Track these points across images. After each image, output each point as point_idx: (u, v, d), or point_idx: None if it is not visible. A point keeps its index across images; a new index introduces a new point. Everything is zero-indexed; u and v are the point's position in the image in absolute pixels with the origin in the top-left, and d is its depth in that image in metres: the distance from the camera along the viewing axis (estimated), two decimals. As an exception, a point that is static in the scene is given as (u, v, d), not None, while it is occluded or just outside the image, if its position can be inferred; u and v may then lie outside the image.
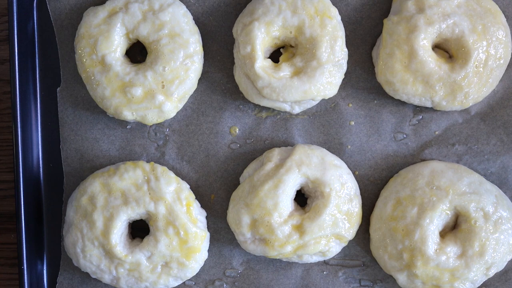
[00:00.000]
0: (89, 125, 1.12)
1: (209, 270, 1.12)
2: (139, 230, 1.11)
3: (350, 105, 1.11)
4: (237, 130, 1.11)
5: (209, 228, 1.11)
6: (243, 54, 1.05)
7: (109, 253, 1.05)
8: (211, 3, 1.11)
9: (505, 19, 1.07)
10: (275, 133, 1.11)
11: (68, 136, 1.12)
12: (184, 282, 1.11)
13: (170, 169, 1.10)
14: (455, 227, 1.06)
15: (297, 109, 1.08)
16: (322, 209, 1.04)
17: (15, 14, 1.08)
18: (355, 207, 1.06)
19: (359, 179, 1.10)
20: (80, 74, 1.08)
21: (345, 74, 1.09)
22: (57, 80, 1.12)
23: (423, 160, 1.10)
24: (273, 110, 1.11)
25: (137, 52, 1.12)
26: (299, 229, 1.04)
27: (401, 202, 1.05)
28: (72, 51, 1.11)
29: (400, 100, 1.09)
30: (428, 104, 1.07)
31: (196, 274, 1.10)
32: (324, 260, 1.11)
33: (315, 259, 1.07)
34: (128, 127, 1.12)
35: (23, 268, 1.08)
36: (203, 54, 1.09)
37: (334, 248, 1.06)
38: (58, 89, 1.12)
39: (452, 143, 1.10)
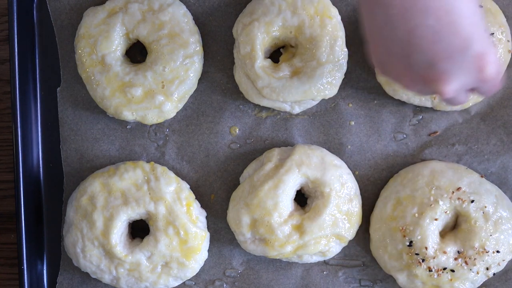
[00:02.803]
0: (89, 125, 1.12)
1: (209, 270, 1.12)
2: (139, 230, 1.11)
3: (350, 105, 1.11)
4: (237, 130, 1.11)
5: (209, 228, 1.11)
6: (243, 54, 1.05)
7: (109, 253, 1.05)
8: (211, 3, 1.11)
9: (505, 19, 1.07)
10: (275, 133, 1.11)
11: (68, 136, 1.12)
12: (184, 282, 1.11)
13: (170, 169, 1.10)
14: (455, 227, 1.06)
15: (297, 109, 1.08)
16: (322, 209, 1.04)
17: (15, 14, 1.08)
18: (355, 207, 1.06)
19: (359, 179, 1.10)
20: (80, 74, 1.08)
21: (345, 74, 1.09)
22: (57, 80, 1.12)
23: (423, 160, 1.10)
24: (273, 110, 1.11)
25: (137, 52, 1.12)
26: (299, 229, 1.04)
27: (401, 202, 1.05)
28: (72, 51, 1.11)
29: (400, 100, 1.09)
30: (428, 104, 1.07)
31: (196, 274, 1.10)
32: (324, 260, 1.11)
33: (315, 259, 1.07)
34: (128, 127, 1.12)
35: (23, 268, 1.08)
36: (203, 54, 1.09)
37: (334, 248, 1.06)
38: (58, 89, 1.12)
39: (452, 143, 1.10)
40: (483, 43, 0.73)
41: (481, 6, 1.04)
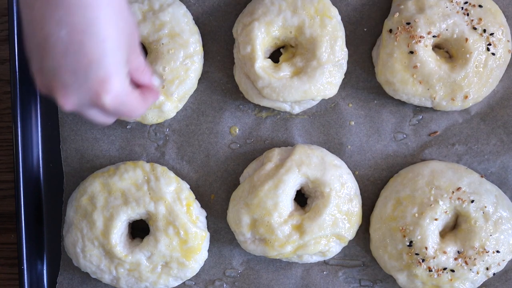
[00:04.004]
0: (89, 125, 1.12)
1: (209, 270, 1.12)
2: (139, 230, 1.11)
3: (350, 105, 1.11)
4: (237, 130, 1.11)
5: (209, 228, 1.11)
6: (243, 54, 1.05)
7: (109, 253, 1.05)
8: (211, 3, 1.11)
9: (505, 19, 1.07)
10: (275, 133, 1.11)
11: (68, 136, 1.12)
12: (184, 282, 1.11)
13: (170, 169, 1.10)
14: (455, 227, 1.06)
15: (297, 109, 1.08)
16: (322, 209, 1.04)
17: (15, 14, 1.08)
18: (355, 207, 1.06)
19: (359, 179, 1.10)
20: (80, 74, 1.08)
21: (345, 74, 1.09)
22: (57, 80, 1.12)
23: (423, 160, 1.10)
24: (273, 110, 1.11)
25: (137, 52, 1.12)
26: (299, 229, 1.04)
27: (401, 202, 1.05)
28: (72, 51, 1.11)
29: (400, 100, 1.09)
30: (428, 104, 1.07)
31: (196, 274, 1.10)
32: (324, 260, 1.11)
33: (315, 259, 1.07)
34: (128, 127, 1.12)
35: (23, 268, 1.08)
36: (203, 54, 1.09)
37: (334, 248, 1.06)
38: (58, 89, 1.12)
39: (452, 143, 1.10)
40: (110, 72, 0.75)
41: (480, 6, 1.05)
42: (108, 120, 0.84)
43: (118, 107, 0.78)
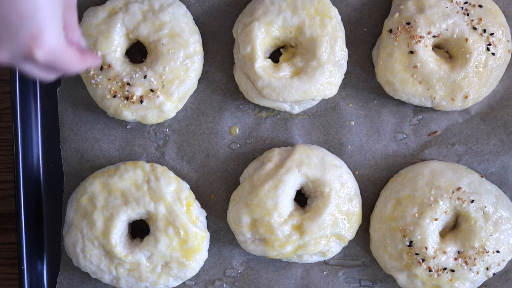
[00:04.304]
0: (89, 125, 1.12)
1: (209, 270, 1.12)
2: (139, 230, 1.11)
3: (350, 105, 1.11)
4: (237, 130, 1.11)
5: (209, 228, 1.11)
6: (243, 54, 1.05)
7: (109, 253, 1.05)
8: (211, 3, 1.11)
9: (505, 19, 1.07)
10: (275, 133, 1.11)
11: (68, 136, 1.12)
12: (184, 282, 1.11)
13: (170, 169, 1.10)
14: (455, 227, 1.06)
15: (297, 109, 1.08)
16: (322, 209, 1.04)
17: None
18: (355, 207, 1.06)
19: (359, 179, 1.10)
20: (80, 74, 1.08)
21: (345, 74, 1.09)
22: (57, 80, 1.12)
23: (423, 160, 1.10)
24: (273, 110, 1.11)
25: (137, 52, 1.12)
26: (299, 229, 1.04)
27: (401, 202, 1.05)
28: (72, 51, 1.11)
29: (400, 100, 1.09)
30: (428, 104, 1.07)
31: (196, 274, 1.10)
32: (324, 260, 1.11)
33: (315, 259, 1.07)
34: (128, 127, 1.12)
35: (23, 268, 1.08)
36: (203, 54, 1.09)
37: (334, 248, 1.06)
38: (58, 89, 1.12)
39: (452, 143, 1.10)
40: (43, 27, 0.75)
41: (480, 6, 1.05)
42: (48, 76, 0.84)
43: (52, 61, 0.78)
